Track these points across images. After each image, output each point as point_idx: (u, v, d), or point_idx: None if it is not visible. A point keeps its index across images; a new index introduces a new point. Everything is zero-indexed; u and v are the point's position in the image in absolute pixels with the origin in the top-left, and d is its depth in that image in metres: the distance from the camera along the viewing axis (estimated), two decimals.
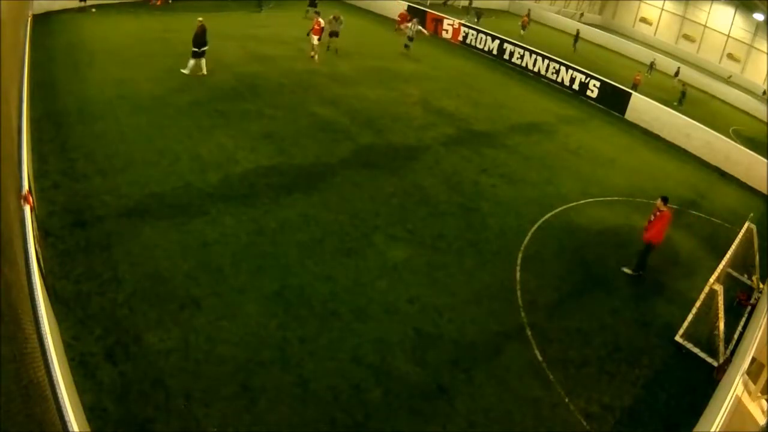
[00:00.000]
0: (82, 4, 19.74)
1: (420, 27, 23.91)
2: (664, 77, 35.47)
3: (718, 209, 14.69)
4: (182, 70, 14.84)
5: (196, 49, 14.77)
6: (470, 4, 37.95)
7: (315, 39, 18.66)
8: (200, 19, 14.95)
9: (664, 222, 10.01)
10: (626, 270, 10.40)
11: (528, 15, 36.98)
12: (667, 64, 37.88)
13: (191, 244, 8.38)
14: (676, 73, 34.11)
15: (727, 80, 38.13)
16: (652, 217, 10.10)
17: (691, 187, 16.16)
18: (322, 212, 10.01)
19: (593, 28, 43.35)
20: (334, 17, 20.31)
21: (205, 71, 15.14)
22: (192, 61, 14.86)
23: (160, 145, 11.05)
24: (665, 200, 10.08)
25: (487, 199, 11.92)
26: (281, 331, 7.13)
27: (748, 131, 26.88)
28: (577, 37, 35.26)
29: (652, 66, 34.67)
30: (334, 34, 20.32)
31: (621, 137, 19.24)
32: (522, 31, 33.44)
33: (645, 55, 38.90)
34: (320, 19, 18.72)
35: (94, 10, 19.79)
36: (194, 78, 15.00)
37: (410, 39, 22.78)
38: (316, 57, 18.76)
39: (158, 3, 22.60)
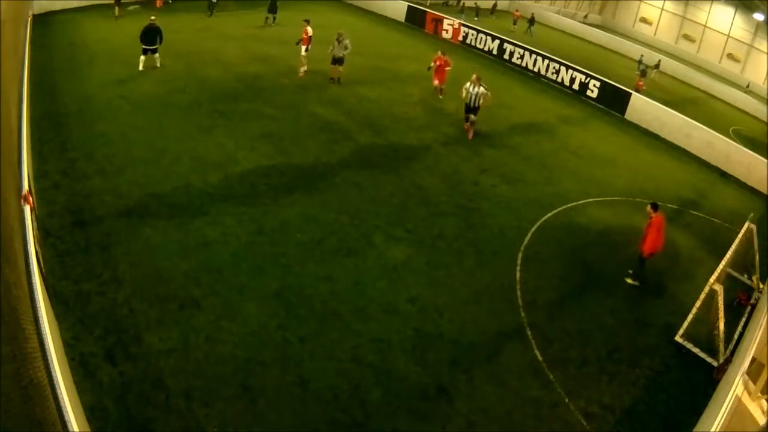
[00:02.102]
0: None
1: (484, 88, 14.57)
2: (662, 76, 35.46)
3: (718, 209, 14.69)
4: (140, 68, 14.84)
5: (145, 46, 14.70)
6: (463, 3, 38.30)
7: (303, 50, 16.88)
8: (153, 17, 14.92)
9: (654, 230, 9.68)
10: (629, 280, 10.09)
11: (518, 11, 39.06)
12: (665, 63, 37.89)
13: (191, 244, 8.38)
14: (657, 65, 34.34)
15: (746, 89, 37.68)
16: (645, 227, 9.87)
17: (691, 187, 16.15)
18: (322, 212, 10.01)
19: (593, 28, 43.33)
20: (338, 38, 16.40)
21: (154, 64, 15.07)
22: (142, 57, 14.79)
23: (160, 145, 11.06)
24: (654, 207, 9.77)
25: (487, 199, 11.92)
26: (281, 331, 7.13)
27: (748, 131, 26.86)
28: (532, 20, 36.76)
29: (641, 62, 34.67)
30: (337, 61, 16.63)
31: (621, 137, 19.23)
32: (513, 26, 35.98)
33: (644, 54, 38.82)
34: (308, 28, 16.77)
35: (116, 14, 19.45)
36: (194, 78, 15.00)
37: (472, 110, 14.73)
38: (303, 71, 17.06)
39: (159, 4, 22.62)
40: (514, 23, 36.56)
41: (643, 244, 9.79)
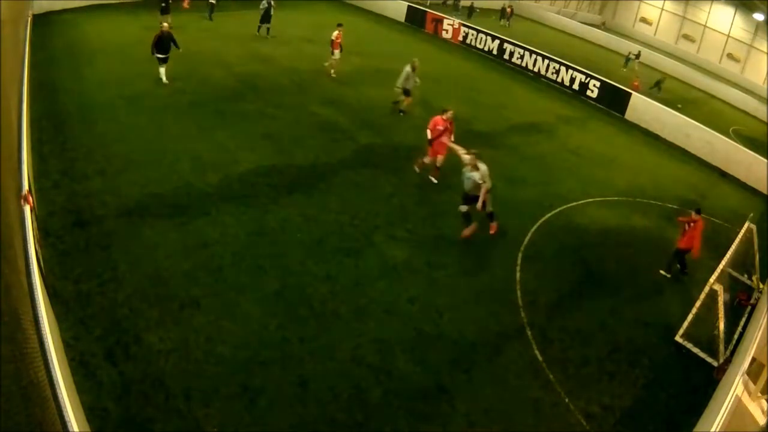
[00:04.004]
0: None
1: (482, 169, 9.63)
2: (656, 73, 35.48)
3: (718, 209, 14.69)
4: (164, 81, 14.10)
5: (159, 56, 13.90)
6: (457, 2, 38.31)
7: (336, 54, 17.40)
8: (164, 24, 14.11)
9: (696, 230, 10.34)
10: (663, 272, 10.72)
11: (509, 7, 39.27)
12: (662, 62, 38.01)
13: (191, 244, 8.38)
14: (637, 56, 34.44)
15: None
16: (686, 227, 10.38)
17: (691, 187, 16.15)
18: (322, 212, 10.01)
19: (593, 28, 43.36)
20: (412, 66, 14.89)
21: (164, 79, 14.15)
22: (161, 69, 14.04)
23: (160, 145, 11.05)
24: (698, 211, 10.40)
25: None
26: (281, 331, 7.13)
27: (748, 131, 26.87)
28: (511, 13, 37.94)
29: (628, 59, 34.61)
30: (407, 92, 15.25)
31: (621, 137, 19.24)
32: (505, 22, 37.02)
33: (643, 54, 38.83)
34: (339, 32, 17.25)
35: (164, 20, 16.65)
36: (194, 78, 14.98)
37: (470, 199, 9.83)
38: (333, 72, 17.61)
39: (186, 5, 22.71)
40: (506, 18, 37.70)
41: (681, 240, 10.45)
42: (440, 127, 11.34)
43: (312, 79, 17.03)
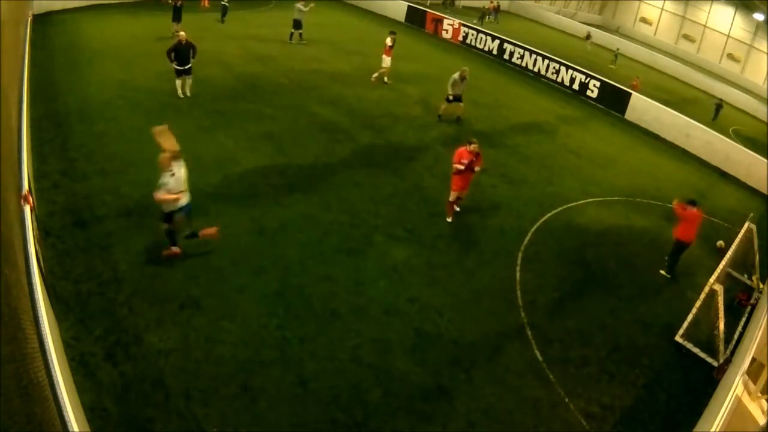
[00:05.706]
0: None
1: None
2: (661, 76, 35.51)
3: (718, 209, 14.69)
4: (180, 95, 13.55)
5: (178, 68, 13.17)
6: (452, 3, 38.32)
7: (387, 60, 17.45)
8: (182, 33, 13.23)
9: (687, 221, 10.27)
10: (663, 272, 10.68)
11: (493, 2, 39.40)
12: (665, 62, 38.04)
13: (191, 243, 8.37)
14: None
15: None
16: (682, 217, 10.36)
17: (691, 187, 16.13)
18: (322, 212, 10.01)
19: (592, 29, 43.37)
20: (461, 75, 15.24)
21: (185, 91, 13.63)
22: (177, 82, 13.44)
23: None
24: (691, 202, 10.34)
25: (487, 199, 11.92)
26: (281, 331, 7.13)
27: (748, 131, 26.88)
28: (497, 9, 38.35)
29: (617, 55, 34.65)
30: (457, 98, 15.58)
31: (621, 137, 19.23)
32: (493, 18, 37.31)
33: (643, 54, 38.99)
34: (390, 39, 17.25)
35: (174, 29, 15.50)
36: (194, 78, 14.94)
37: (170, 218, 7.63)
38: (386, 78, 17.78)
39: (205, 4, 22.73)
40: (494, 15, 38.05)
41: (676, 230, 10.45)
42: (465, 161, 9.96)
43: (312, 79, 17.02)
